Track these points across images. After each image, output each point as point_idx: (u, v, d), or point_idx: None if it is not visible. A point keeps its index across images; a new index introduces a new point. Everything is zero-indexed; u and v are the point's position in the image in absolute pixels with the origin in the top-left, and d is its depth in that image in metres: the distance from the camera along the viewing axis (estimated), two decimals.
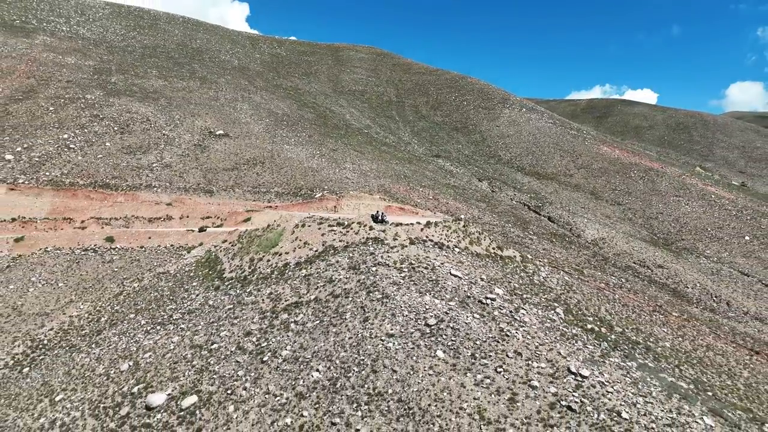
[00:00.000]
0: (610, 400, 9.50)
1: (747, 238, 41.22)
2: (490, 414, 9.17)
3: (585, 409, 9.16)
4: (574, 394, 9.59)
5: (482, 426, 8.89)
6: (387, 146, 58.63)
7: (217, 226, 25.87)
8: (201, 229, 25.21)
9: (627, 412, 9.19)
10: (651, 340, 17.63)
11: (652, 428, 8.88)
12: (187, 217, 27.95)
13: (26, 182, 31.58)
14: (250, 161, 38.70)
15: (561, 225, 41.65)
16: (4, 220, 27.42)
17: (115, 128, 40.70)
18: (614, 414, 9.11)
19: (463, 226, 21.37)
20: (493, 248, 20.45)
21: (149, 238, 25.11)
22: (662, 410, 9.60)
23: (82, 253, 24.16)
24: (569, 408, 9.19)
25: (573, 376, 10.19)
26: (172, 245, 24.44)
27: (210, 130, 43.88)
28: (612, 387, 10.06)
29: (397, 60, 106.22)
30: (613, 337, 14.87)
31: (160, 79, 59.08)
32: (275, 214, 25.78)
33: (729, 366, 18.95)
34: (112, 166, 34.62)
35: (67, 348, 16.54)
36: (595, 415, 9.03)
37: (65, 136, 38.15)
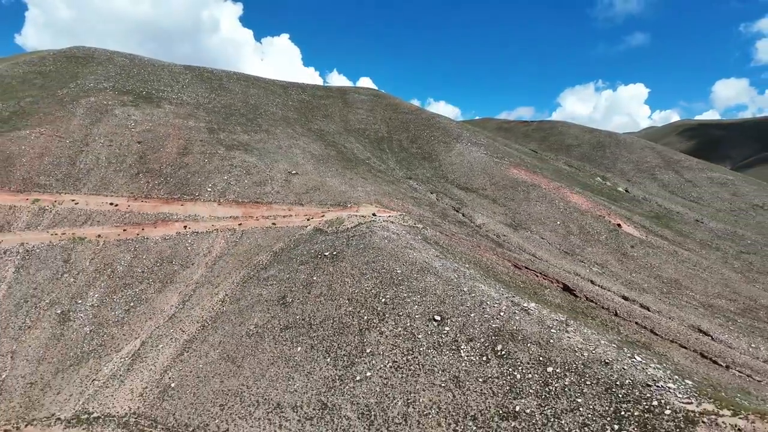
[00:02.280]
0: (417, 247, 52.69)
1: (558, 222, 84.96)
2: (398, 244, 52.51)
3: (412, 249, 52.48)
4: (411, 248, 52.70)
5: (397, 245, 52.21)
6: (380, 173, 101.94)
7: (311, 219, 69.14)
8: (307, 219, 68.56)
9: (419, 252, 52.55)
10: (453, 247, 60.72)
11: (424, 258, 52.13)
12: (297, 215, 71.26)
13: (223, 200, 74.44)
14: (312, 188, 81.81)
15: (466, 217, 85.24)
16: (229, 217, 70.22)
17: (244, 172, 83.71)
18: (414, 248, 52.48)
19: (403, 217, 64.74)
20: (412, 224, 63.82)
21: (288, 223, 68.44)
22: (431, 253, 52.87)
23: (266, 228, 67.46)
24: (412, 249, 52.30)
25: (413, 244, 53.41)
26: (298, 225, 67.67)
27: (288, 170, 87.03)
28: (423, 249, 53.33)
29: (389, 100, 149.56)
30: (436, 246, 58.24)
31: (244, 134, 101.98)
32: (335, 213, 69.19)
33: (483, 258, 61.86)
34: (254, 192, 77.63)
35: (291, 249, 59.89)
36: (413, 253, 52.40)
37: (225, 177, 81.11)
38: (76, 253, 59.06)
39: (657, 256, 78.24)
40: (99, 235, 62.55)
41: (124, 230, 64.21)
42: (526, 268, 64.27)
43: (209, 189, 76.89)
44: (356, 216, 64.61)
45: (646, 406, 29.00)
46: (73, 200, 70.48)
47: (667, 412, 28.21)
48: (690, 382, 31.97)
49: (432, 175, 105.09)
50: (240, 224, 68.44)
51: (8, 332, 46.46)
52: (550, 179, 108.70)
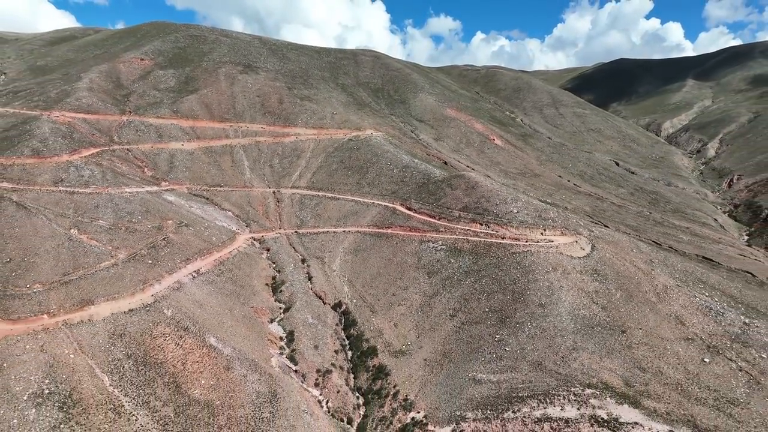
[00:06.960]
0: (386, 145, 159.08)
1: (458, 138, 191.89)
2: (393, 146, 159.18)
3: (385, 146, 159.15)
4: (384, 145, 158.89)
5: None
6: (376, 111, 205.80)
7: (346, 135, 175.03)
8: (344, 135, 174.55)
9: (387, 147, 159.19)
10: (402, 146, 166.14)
11: (388, 149, 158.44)
12: (339, 133, 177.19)
13: (307, 126, 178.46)
14: (344, 121, 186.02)
15: (416, 135, 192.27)
16: (311, 134, 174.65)
17: (312, 113, 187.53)
18: (385, 145, 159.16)
19: (384, 135, 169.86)
20: (388, 138, 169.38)
21: (336, 136, 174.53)
22: (391, 147, 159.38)
23: (328, 138, 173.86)
24: (384, 145, 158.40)
25: (385, 143, 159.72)
26: (341, 137, 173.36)
27: (332, 112, 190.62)
28: (389, 145, 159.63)
29: (383, 60, 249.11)
30: (395, 145, 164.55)
31: (305, 89, 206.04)
32: (355, 133, 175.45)
33: (414, 150, 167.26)
34: (319, 123, 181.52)
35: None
36: (384, 147, 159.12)
37: (304, 115, 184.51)
38: (259, 147, 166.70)
39: (498, 152, 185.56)
40: (265, 140, 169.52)
41: (273, 138, 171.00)
42: (431, 154, 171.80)
43: (299, 121, 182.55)
44: (365, 134, 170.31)
45: (431, 177, 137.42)
46: (245, 126, 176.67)
47: (434, 178, 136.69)
48: (445, 173, 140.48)
49: (404, 113, 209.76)
50: (317, 136, 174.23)
51: (256, 169, 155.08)
52: (468, 114, 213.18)
